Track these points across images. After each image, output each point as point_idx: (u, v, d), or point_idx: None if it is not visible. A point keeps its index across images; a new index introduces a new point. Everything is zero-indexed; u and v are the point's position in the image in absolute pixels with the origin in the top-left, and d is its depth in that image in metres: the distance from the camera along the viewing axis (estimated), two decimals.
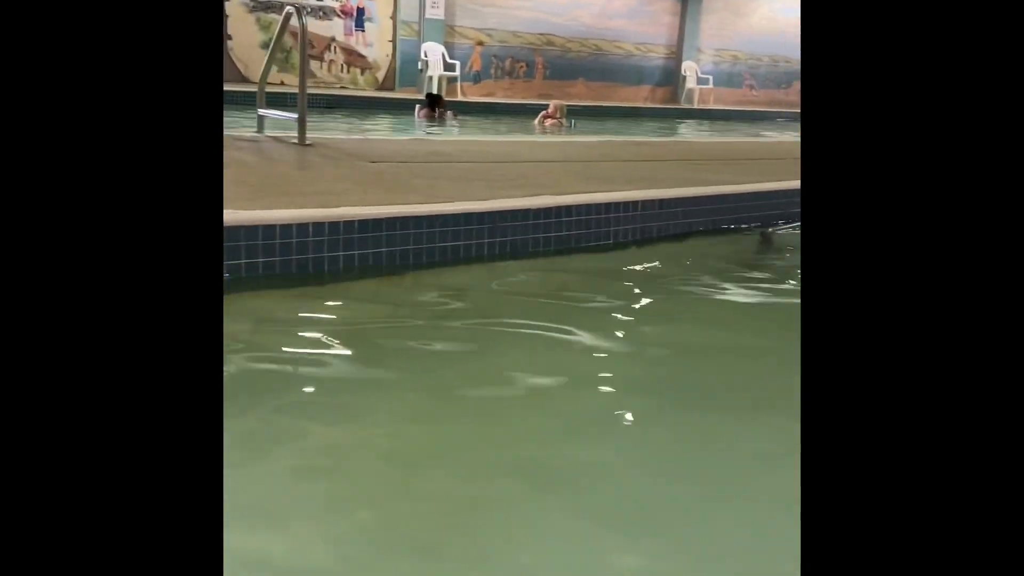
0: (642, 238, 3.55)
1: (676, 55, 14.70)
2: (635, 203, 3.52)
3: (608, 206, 3.43)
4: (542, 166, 4.52)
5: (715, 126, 11.71)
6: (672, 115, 13.15)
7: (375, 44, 11.64)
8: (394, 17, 11.70)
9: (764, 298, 2.91)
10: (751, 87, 15.84)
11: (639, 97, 14.58)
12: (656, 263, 3.24)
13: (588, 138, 6.92)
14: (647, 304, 2.70)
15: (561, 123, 9.24)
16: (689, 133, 10.39)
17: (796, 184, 4.26)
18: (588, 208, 3.36)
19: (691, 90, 14.52)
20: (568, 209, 3.29)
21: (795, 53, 16.08)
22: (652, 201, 3.58)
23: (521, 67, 13.34)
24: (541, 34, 13.37)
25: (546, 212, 3.21)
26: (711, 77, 14.75)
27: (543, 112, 9.39)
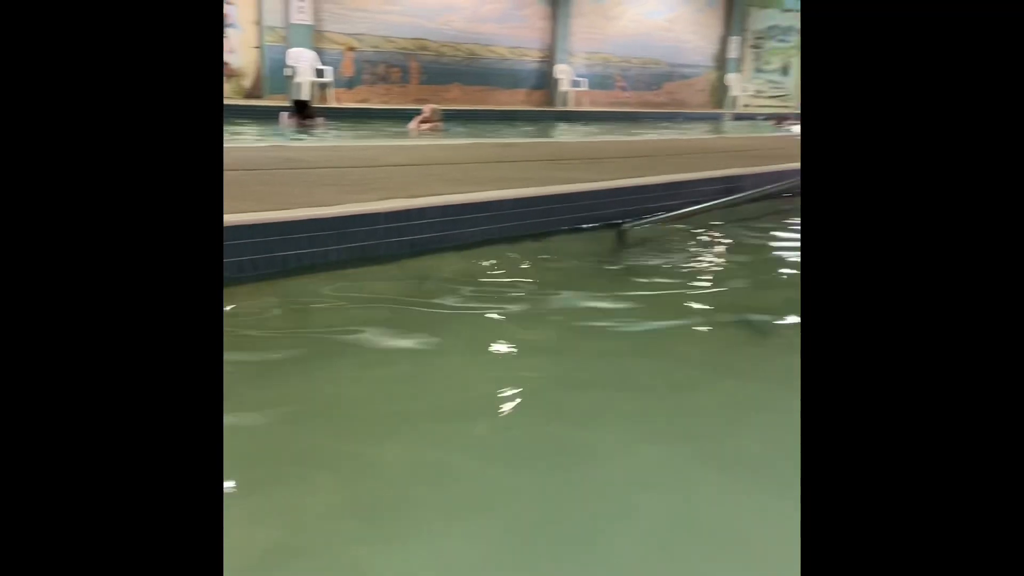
0: (500, 238, 3.53)
1: (549, 58, 14.91)
2: (491, 203, 3.50)
3: (464, 207, 3.39)
4: (404, 169, 4.44)
5: (590, 127, 11.95)
6: (548, 117, 13.33)
7: (238, 51, 11.19)
8: (258, 23, 11.29)
9: (624, 287, 2.94)
10: (623, 89, 16.27)
11: (515, 100, 14.69)
12: (515, 261, 3.22)
13: (455, 140, 6.89)
14: (511, 301, 2.67)
15: (438, 127, 9.19)
16: (560, 134, 10.55)
17: (650, 180, 4.37)
18: (443, 210, 3.31)
19: (566, 93, 14.77)
20: (421, 212, 3.23)
21: (663, 56, 16.68)
22: (509, 201, 3.57)
23: (395, 72, 13.18)
24: (414, 39, 13.25)
25: (398, 215, 3.13)
26: (584, 80, 15.05)
27: (418, 116, 9.31)
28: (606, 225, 3.94)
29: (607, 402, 1.92)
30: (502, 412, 1.84)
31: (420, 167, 4.60)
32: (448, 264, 3.12)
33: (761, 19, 18.21)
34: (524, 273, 3.07)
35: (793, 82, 19.00)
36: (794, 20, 18.86)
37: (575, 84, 14.84)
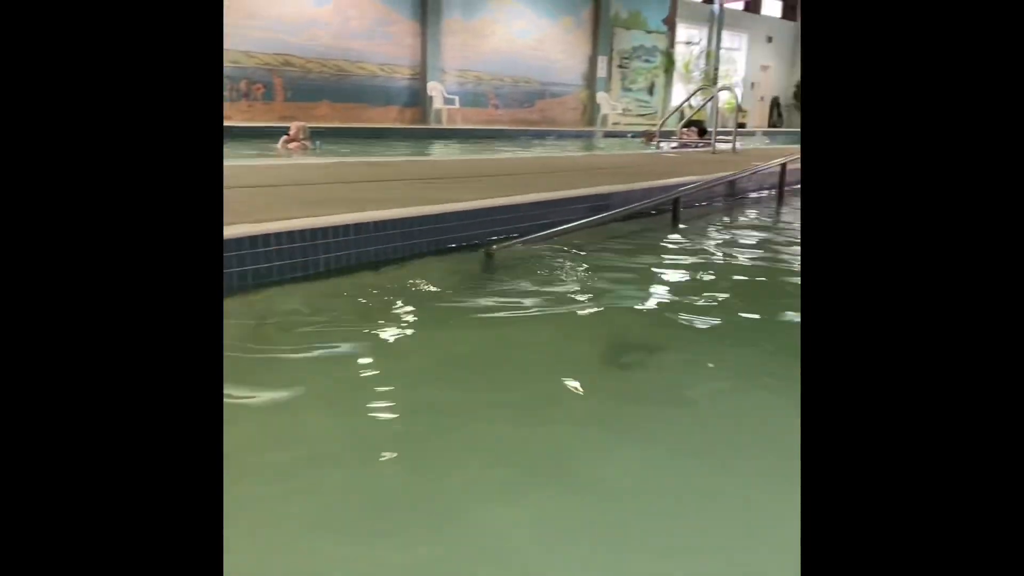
0: (358, 264, 3.27)
1: (421, 76, 14.74)
2: (347, 227, 3.23)
3: (316, 232, 3.11)
4: (253, 192, 4.09)
5: (465, 145, 11.83)
6: (422, 135, 13.13)
7: None
8: None
9: (493, 313, 2.75)
10: (496, 107, 16.31)
11: (388, 118, 14.41)
12: (373, 290, 2.97)
13: (315, 160, 6.54)
14: (366, 338, 2.41)
15: (306, 146, 8.80)
16: (432, 152, 10.36)
17: (519, 199, 4.23)
18: (291, 236, 3.01)
19: (439, 110, 14.64)
20: (267, 238, 2.92)
21: (534, 74, 16.87)
22: (366, 224, 3.31)
23: (258, 89, 12.60)
24: (277, 54, 12.73)
25: (239, 243, 2.82)
26: (457, 97, 14.98)
27: (284, 135, 8.90)
28: (474, 247, 3.76)
29: (468, 443, 1.71)
30: (364, 461, 1.59)
31: (273, 189, 4.27)
32: (294, 297, 2.83)
33: (626, 40, 18.81)
34: (383, 303, 2.83)
35: (658, 100, 19.72)
36: (657, 41, 19.62)
37: (448, 102, 14.74)
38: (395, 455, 1.66)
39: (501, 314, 2.80)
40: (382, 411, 1.91)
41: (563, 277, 3.40)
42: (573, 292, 3.14)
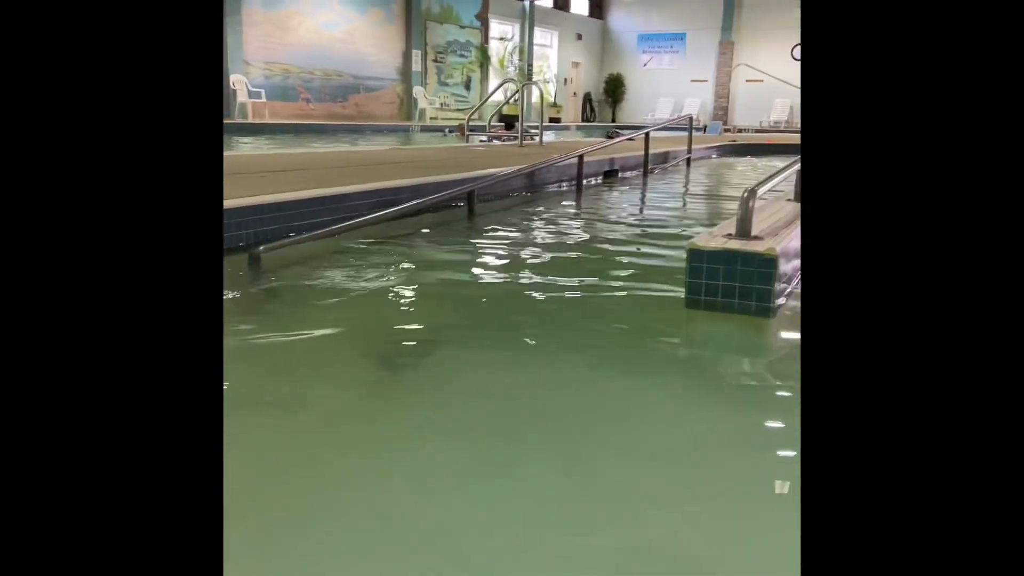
0: None
1: (222, 68, 13.85)
2: None
3: None
4: None
5: (274, 140, 11.22)
6: (226, 130, 12.32)
7: None
8: None
9: (253, 324, 2.50)
10: (308, 101, 15.68)
11: None
12: None
13: None
14: None
15: None
16: (234, 148, 9.73)
17: (291, 195, 3.97)
18: None
19: (243, 104, 13.84)
20: None
21: (346, 68, 16.38)
22: None
23: None
24: None
25: None
26: (263, 91, 14.24)
27: None
28: (236, 249, 3.47)
29: None
30: None
31: None
32: None
33: (440, 34, 18.76)
34: None
35: (476, 95, 19.85)
36: (471, 36, 19.74)
37: (254, 95, 13.98)
38: None
39: (258, 328, 2.57)
40: None
41: (338, 282, 3.20)
42: (346, 299, 2.95)
